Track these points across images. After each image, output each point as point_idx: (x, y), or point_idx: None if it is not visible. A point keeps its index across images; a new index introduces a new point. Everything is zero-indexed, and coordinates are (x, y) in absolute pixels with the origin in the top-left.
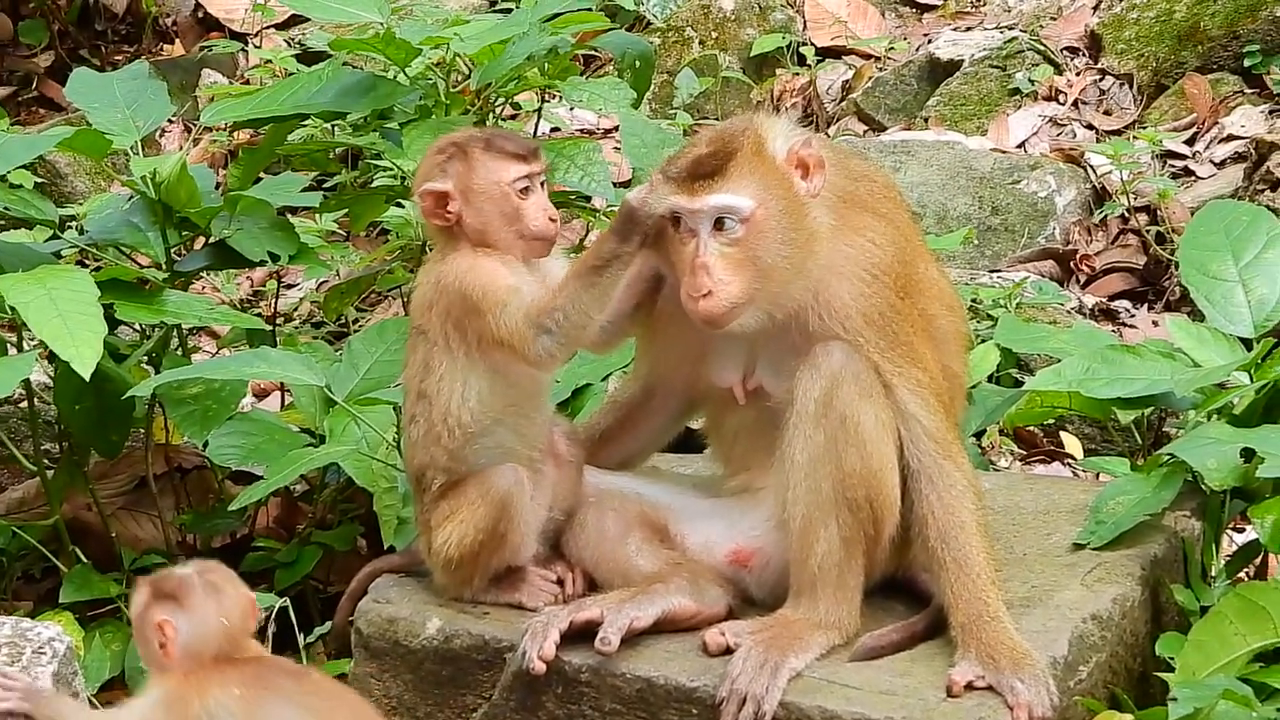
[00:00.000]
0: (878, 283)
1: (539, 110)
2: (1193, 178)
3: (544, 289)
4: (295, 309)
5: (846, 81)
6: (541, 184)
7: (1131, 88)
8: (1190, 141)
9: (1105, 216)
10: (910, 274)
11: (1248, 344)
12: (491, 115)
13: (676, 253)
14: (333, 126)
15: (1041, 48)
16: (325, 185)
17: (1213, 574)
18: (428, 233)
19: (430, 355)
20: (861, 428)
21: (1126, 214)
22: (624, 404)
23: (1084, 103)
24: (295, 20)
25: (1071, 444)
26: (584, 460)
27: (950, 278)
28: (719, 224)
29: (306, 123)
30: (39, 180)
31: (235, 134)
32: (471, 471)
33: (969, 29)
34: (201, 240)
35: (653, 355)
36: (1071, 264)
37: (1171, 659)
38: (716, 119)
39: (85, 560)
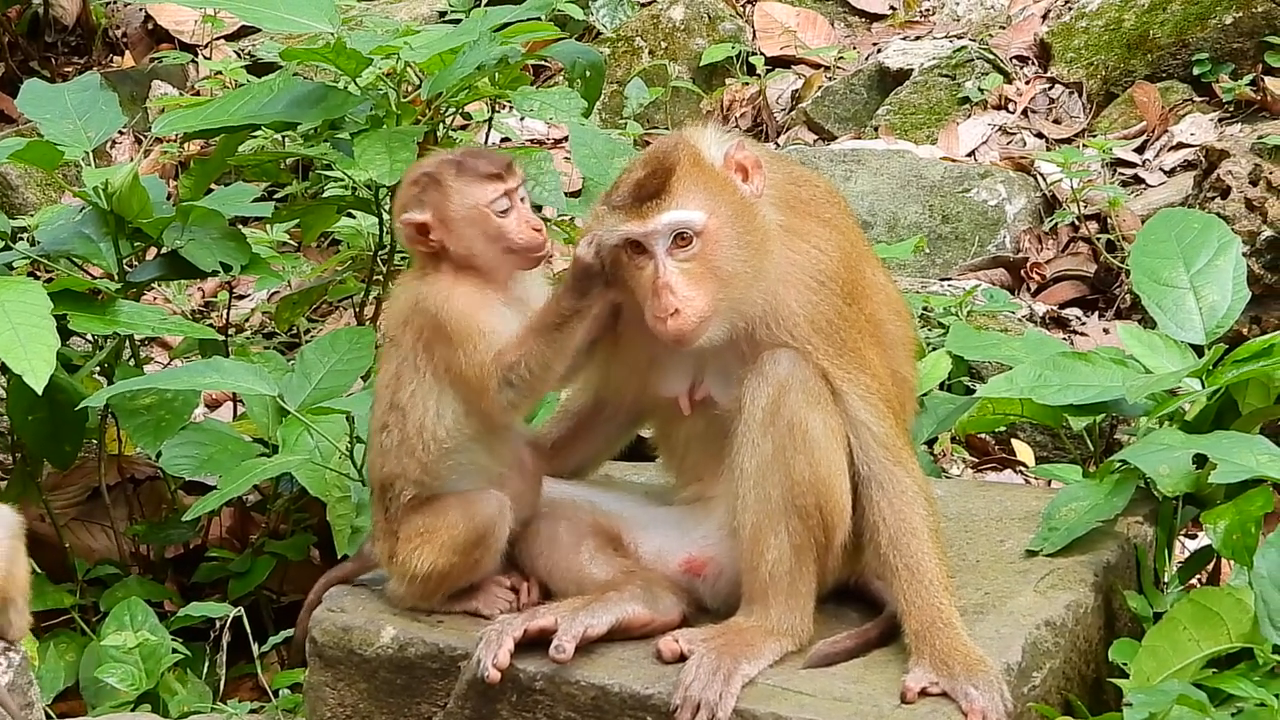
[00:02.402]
0: (824, 289)
1: (489, 120)
2: (1143, 185)
3: (515, 331)
4: (247, 319)
5: (796, 91)
6: (521, 199)
7: (1081, 96)
8: (1140, 149)
9: (1055, 224)
10: (857, 279)
11: (1199, 350)
12: (442, 125)
13: (634, 278)
14: (283, 137)
15: (991, 56)
16: (276, 196)
17: (1165, 580)
18: (412, 257)
19: (402, 369)
20: (810, 435)
21: (1077, 222)
22: (575, 413)
23: (1033, 111)
24: (245, 31)
25: (1023, 451)
26: (545, 471)
27: (897, 283)
28: (675, 242)
29: (257, 133)
30: None
31: (186, 145)
32: (445, 488)
33: (918, 38)
34: (153, 251)
35: (603, 366)
36: (1022, 272)
37: (1125, 665)
38: (666, 129)
39: (39, 571)
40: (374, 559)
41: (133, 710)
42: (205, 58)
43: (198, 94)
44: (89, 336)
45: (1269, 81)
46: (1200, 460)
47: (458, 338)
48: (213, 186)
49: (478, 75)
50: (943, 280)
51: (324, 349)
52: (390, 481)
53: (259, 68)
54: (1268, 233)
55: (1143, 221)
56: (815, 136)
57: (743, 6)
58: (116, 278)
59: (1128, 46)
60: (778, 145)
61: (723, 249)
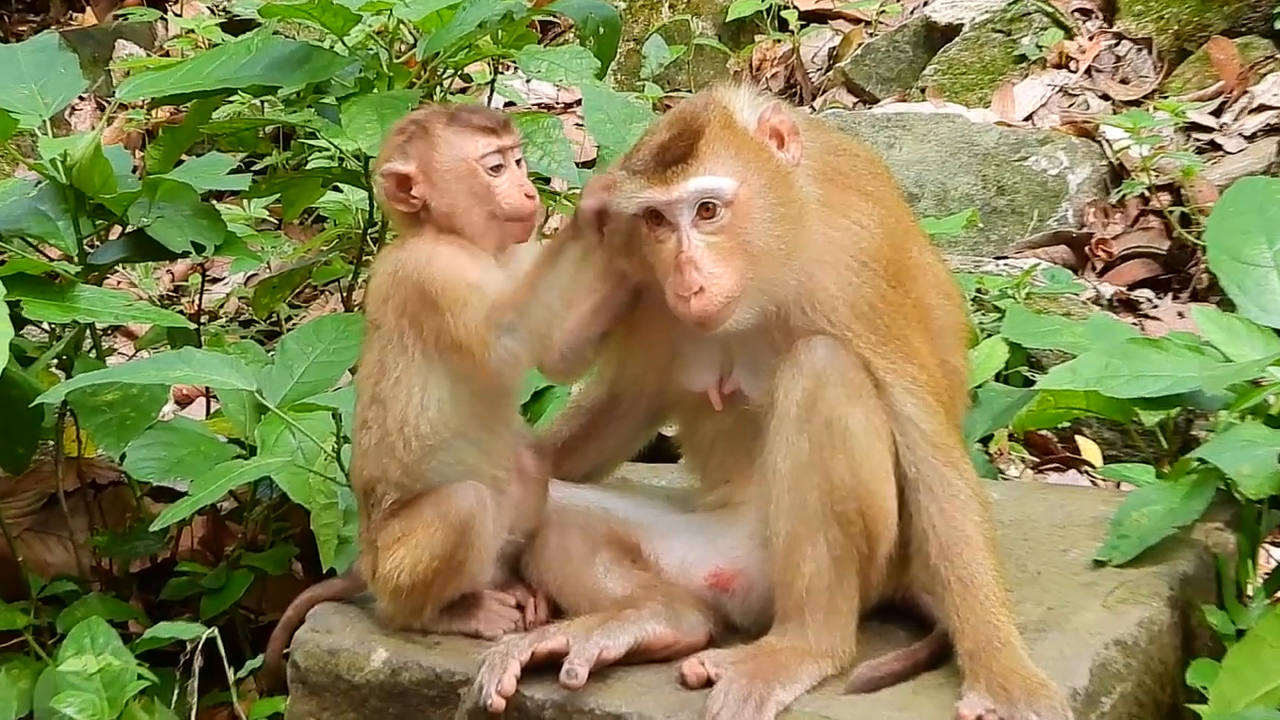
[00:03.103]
0: (866, 270)
1: (492, 83)
2: (1220, 153)
3: (509, 287)
4: (222, 305)
5: (833, 49)
6: (517, 161)
7: (1150, 53)
8: (1217, 113)
9: (1123, 196)
10: (902, 259)
11: None
12: (439, 89)
13: (654, 253)
14: (262, 103)
15: (1050, 9)
16: (255, 168)
17: (1249, 593)
18: (391, 218)
19: (385, 354)
20: (850, 432)
21: (1147, 193)
22: (588, 410)
23: (1098, 70)
24: None
25: (1089, 450)
26: (550, 476)
27: (949, 264)
28: (701, 212)
29: (233, 98)
30: None
31: (154, 112)
32: (428, 489)
33: None
34: (117, 230)
35: (619, 357)
36: (1086, 249)
37: (1204, 689)
38: (689, 91)
39: None
40: (363, 578)
41: None
42: (175, 14)
43: (167, 55)
44: (45, 325)
45: None
46: None
47: (445, 301)
48: (184, 158)
49: (479, 33)
50: (998, 259)
51: (307, 338)
52: (372, 486)
53: (235, 25)
54: None
55: (1220, 192)
56: (855, 99)
57: None
58: (76, 260)
59: None
60: (813, 109)
61: (754, 222)
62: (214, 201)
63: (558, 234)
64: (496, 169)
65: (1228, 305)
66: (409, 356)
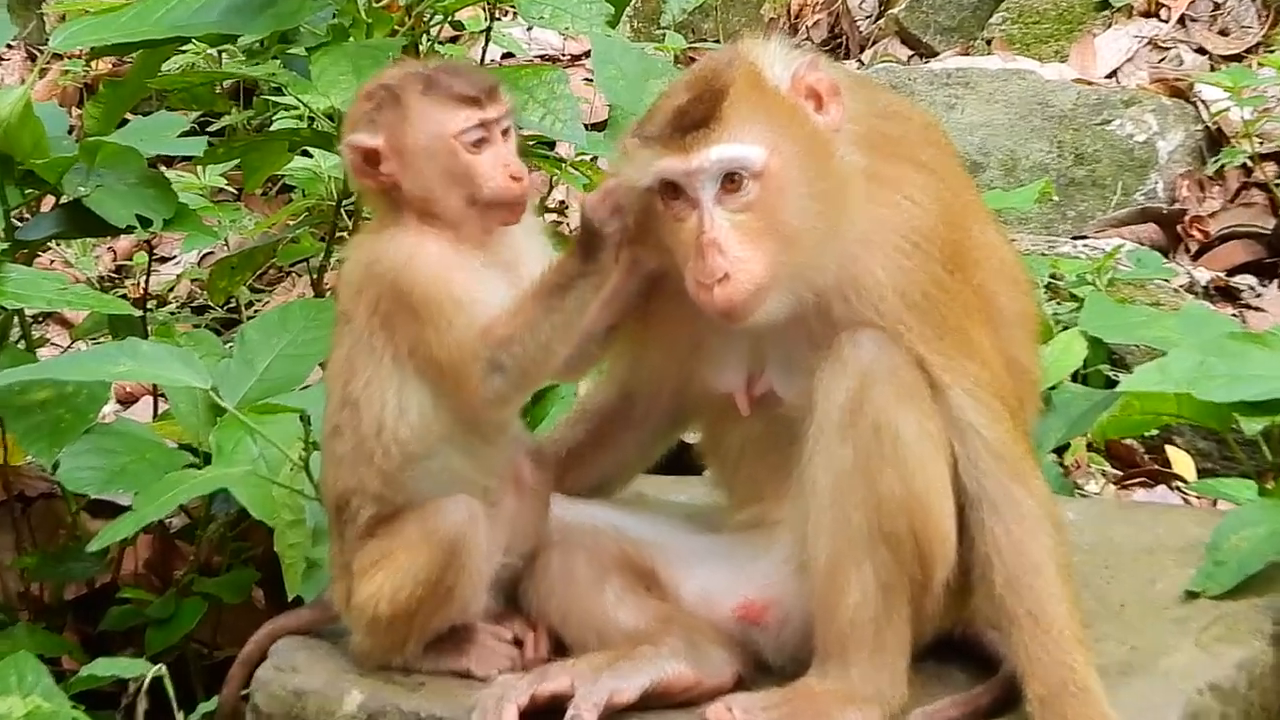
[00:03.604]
0: (919, 252)
1: (487, 31)
2: None
3: (505, 302)
4: (171, 289)
5: None
6: (504, 132)
7: (1254, 0)
8: None
9: (1222, 166)
10: (962, 240)
11: None
12: (426, 38)
13: (672, 234)
14: (220, 53)
15: None
16: (211, 129)
17: None
18: (361, 195)
19: (355, 353)
20: (901, 440)
21: (1249, 163)
22: (598, 413)
23: (1193, 20)
24: None
25: (1181, 462)
26: (552, 488)
27: (1015, 244)
28: (726, 185)
29: (186, 48)
30: None
31: (94, 63)
32: (410, 502)
33: None
34: (50, 201)
35: (633, 353)
36: (1179, 228)
37: None
38: (718, 42)
39: None
40: (335, 608)
41: None
42: None
43: None
44: None
45: None
46: None
47: (426, 310)
48: (128, 117)
49: None
50: (1075, 239)
51: (271, 328)
52: (345, 500)
53: None
54: None
55: None
56: (910, 52)
57: None
58: (2, 235)
59: None
60: (861, 64)
61: (788, 197)
62: (163, 168)
63: (565, 260)
64: (478, 144)
65: None
66: (378, 359)
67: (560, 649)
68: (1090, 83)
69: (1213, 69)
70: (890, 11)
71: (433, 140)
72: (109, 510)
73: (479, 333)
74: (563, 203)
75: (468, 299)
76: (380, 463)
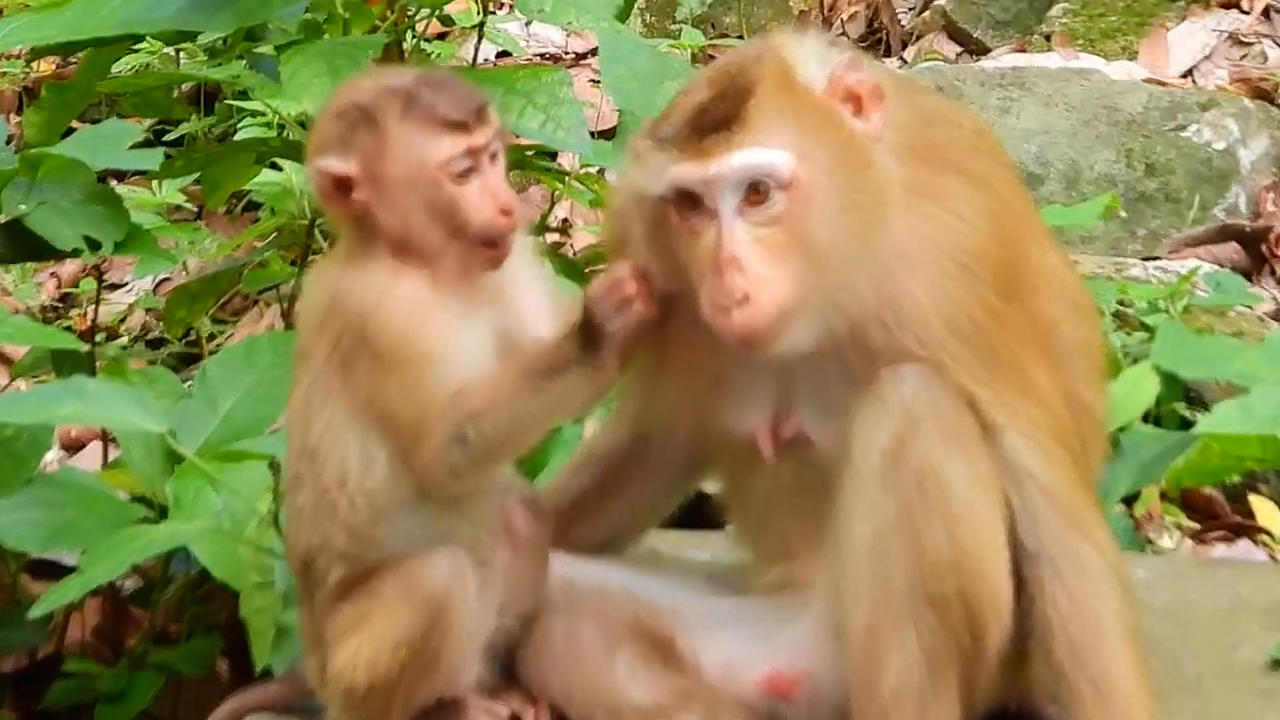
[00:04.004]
0: (968, 275)
1: (480, 26)
2: None
3: (482, 357)
4: (123, 320)
5: None
6: (492, 157)
7: None
8: None
9: None
10: (1017, 262)
11: None
12: (411, 34)
13: (687, 250)
14: (178, 52)
15: None
16: (167, 138)
17: None
18: (329, 219)
19: (313, 394)
20: (949, 489)
21: None
22: (606, 458)
23: (1278, 11)
24: None
25: (1266, 513)
26: (550, 542)
27: (1078, 266)
28: (749, 196)
29: (139, 47)
30: None
31: (35, 64)
32: (386, 560)
33: None
34: None
35: (644, 389)
36: (1264, 247)
37: None
38: (739, 38)
39: None
40: (309, 681)
41: None
42: None
43: None
44: None
45: None
46: None
47: (393, 360)
48: (74, 125)
49: None
50: (1146, 260)
51: (236, 364)
52: (312, 560)
53: None
54: None
55: None
56: (958, 49)
57: None
58: None
59: None
60: (903, 63)
61: (818, 210)
62: (113, 183)
63: (563, 342)
64: (464, 174)
65: None
66: (335, 405)
67: None
68: (1163, 83)
69: None
70: (936, 3)
71: (413, 170)
72: (53, 571)
73: (450, 396)
74: (566, 220)
75: (441, 353)
76: (346, 517)
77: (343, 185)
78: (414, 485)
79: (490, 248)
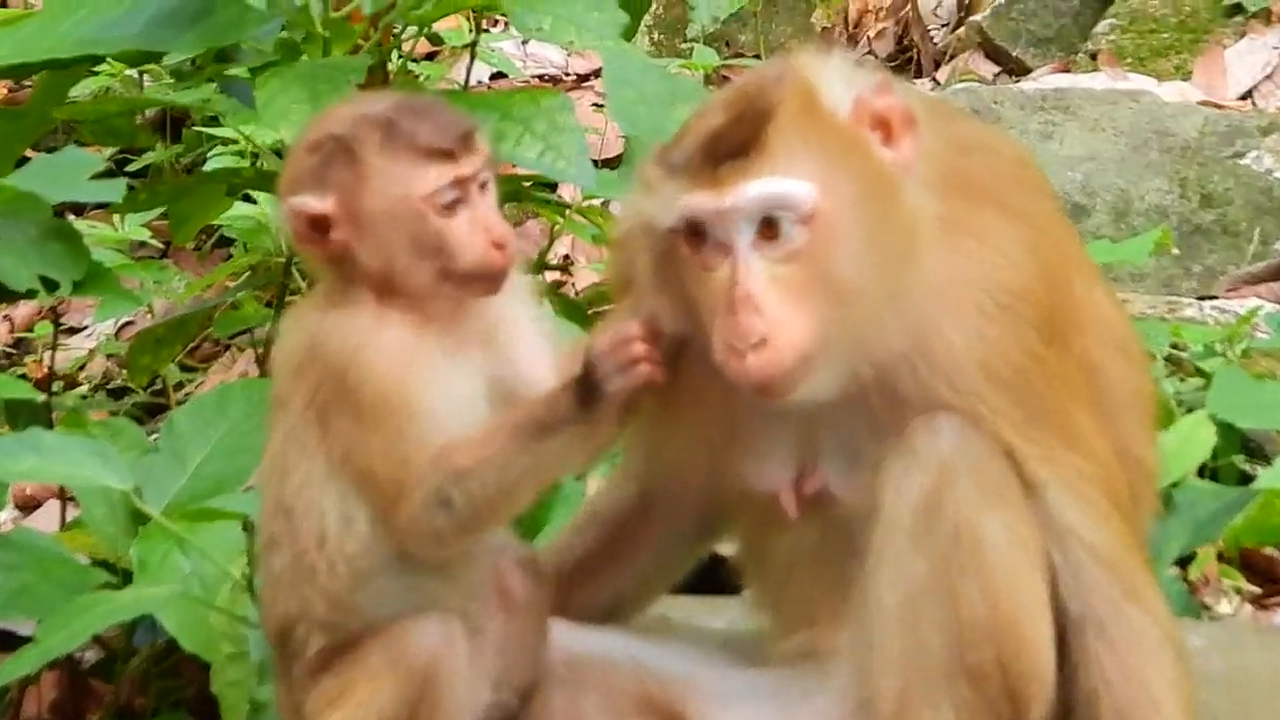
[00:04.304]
0: (1009, 316)
1: (472, 46)
2: None
3: (466, 411)
4: (82, 367)
5: None
6: (482, 187)
7: None
8: None
9: None
10: (1061, 302)
11: None
12: (396, 54)
13: (698, 286)
14: (141, 75)
15: None
16: (131, 168)
17: None
18: (305, 261)
19: (288, 447)
20: (987, 549)
21: None
22: (612, 517)
23: None
24: None
25: None
26: (550, 608)
27: (1127, 306)
28: (766, 230)
29: (100, 69)
30: None
31: None
32: (370, 627)
33: None
34: None
35: (653, 440)
36: None
37: None
38: (756, 58)
39: None
40: None
41: None
42: None
43: (4, 4)
44: None
45: None
46: None
47: (374, 413)
48: (29, 155)
49: None
50: (1202, 299)
51: (207, 414)
52: (289, 629)
53: None
54: None
55: None
56: (996, 69)
57: None
58: None
59: None
60: (936, 84)
61: (842, 246)
62: (72, 218)
63: (557, 397)
64: (451, 206)
65: None
66: (312, 459)
67: None
68: (1219, 105)
69: None
70: (972, 19)
71: (395, 204)
72: (6, 641)
73: (434, 454)
74: (567, 258)
75: (426, 407)
76: (325, 582)
77: (319, 224)
78: (396, 548)
79: (482, 282)
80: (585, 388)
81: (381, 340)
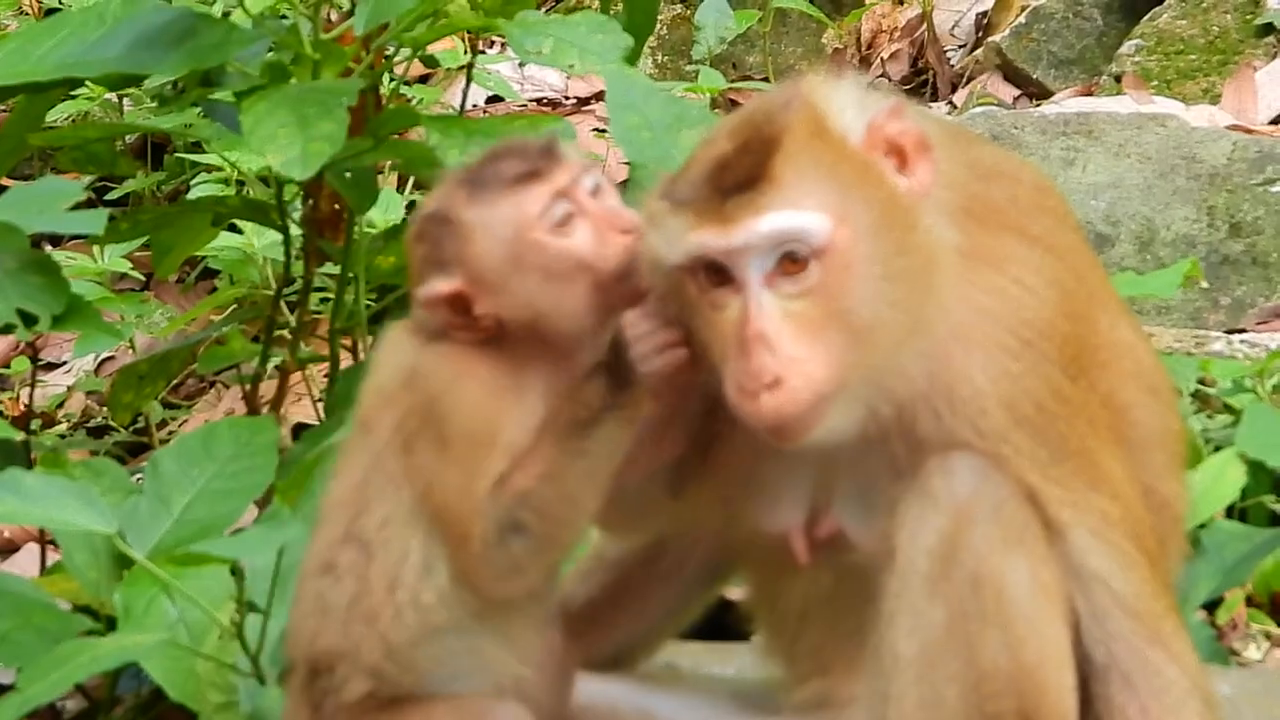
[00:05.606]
0: (1031, 352)
1: (468, 68)
2: None
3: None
4: (60, 404)
5: (983, 15)
6: (593, 191)
7: None
8: None
9: None
10: (1085, 336)
11: None
12: (389, 77)
13: (709, 325)
14: (121, 99)
15: None
16: (111, 197)
17: None
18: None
19: (371, 478)
20: (1007, 596)
21: None
22: (618, 563)
23: None
24: None
25: None
26: (577, 660)
27: (1153, 340)
28: (780, 265)
29: (78, 92)
30: None
31: None
32: (419, 687)
33: None
34: None
35: (667, 486)
36: None
37: None
38: (766, 81)
39: None
40: None
41: None
42: None
43: None
44: None
45: None
46: None
47: (459, 446)
48: (5, 183)
49: None
50: (1230, 333)
51: (192, 455)
52: (328, 662)
53: None
54: None
55: None
56: (1016, 92)
57: None
58: None
59: None
60: (953, 108)
61: (858, 280)
62: (50, 249)
63: (586, 388)
64: (565, 222)
65: None
66: (397, 494)
67: None
68: (1249, 130)
69: None
70: (990, 40)
71: (512, 247)
72: None
73: (494, 484)
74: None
75: (506, 442)
76: (387, 629)
77: (460, 306)
78: (473, 604)
79: (629, 286)
80: (616, 365)
81: (475, 376)
